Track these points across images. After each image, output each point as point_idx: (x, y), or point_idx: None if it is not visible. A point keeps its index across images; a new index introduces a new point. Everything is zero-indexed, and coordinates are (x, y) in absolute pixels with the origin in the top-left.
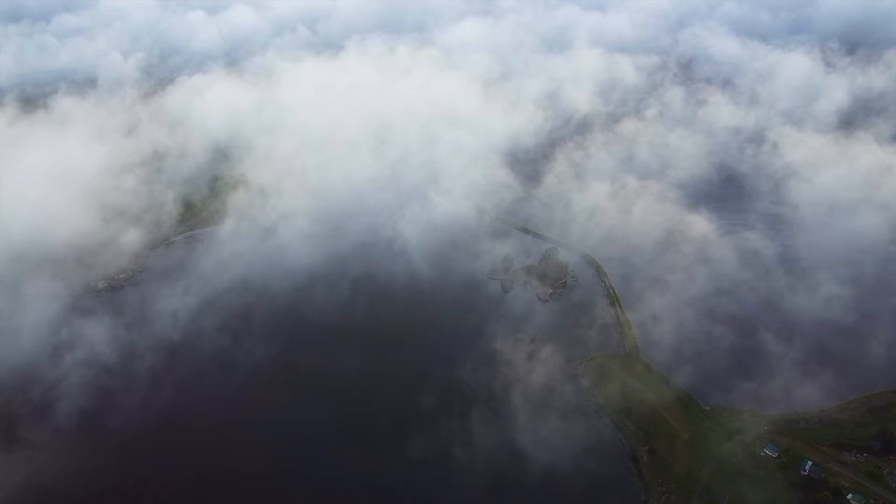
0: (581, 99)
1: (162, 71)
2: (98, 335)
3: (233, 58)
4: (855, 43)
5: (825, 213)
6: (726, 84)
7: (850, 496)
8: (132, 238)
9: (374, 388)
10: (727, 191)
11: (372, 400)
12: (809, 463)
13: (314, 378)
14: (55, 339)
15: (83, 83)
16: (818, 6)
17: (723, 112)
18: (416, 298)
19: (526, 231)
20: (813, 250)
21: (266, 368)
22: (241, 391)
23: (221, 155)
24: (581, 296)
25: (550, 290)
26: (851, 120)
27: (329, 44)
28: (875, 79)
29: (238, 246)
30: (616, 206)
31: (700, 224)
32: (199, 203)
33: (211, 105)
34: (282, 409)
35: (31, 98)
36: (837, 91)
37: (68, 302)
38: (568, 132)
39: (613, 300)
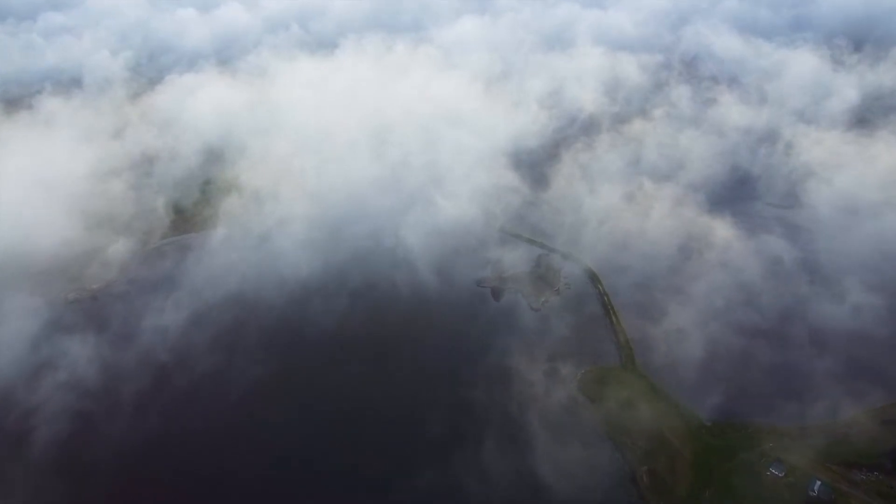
0: (585, 98)
1: (151, 70)
2: (72, 353)
3: (224, 56)
4: (858, 40)
5: (845, 216)
6: (732, 82)
7: None
8: (116, 246)
9: (376, 407)
10: (739, 193)
11: (374, 419)
12: (818, 483)
13: (315, 398)
14: (25, 359)
15: (69, 83)
16: (819, 3)
17: (733, 111)
18: (420, 310)
19: (520, 237)
20: (826, 255)
21: (261, 389)
22: (234, 415)
23: (213, 157)
24: (575, 304)
25: (543, 299)
26: (866, 118)
27: (323, 43)
28: (884, 76)
29: (230, 254)
30: (617, 210)
31: (707, 228)
32: (190, 208)
33: (202, 105)
34: (280, 433)
35: (16, 99)
36: (848, 89)
37: (38, 316)
38: (572, 133)
39: (609, 309)
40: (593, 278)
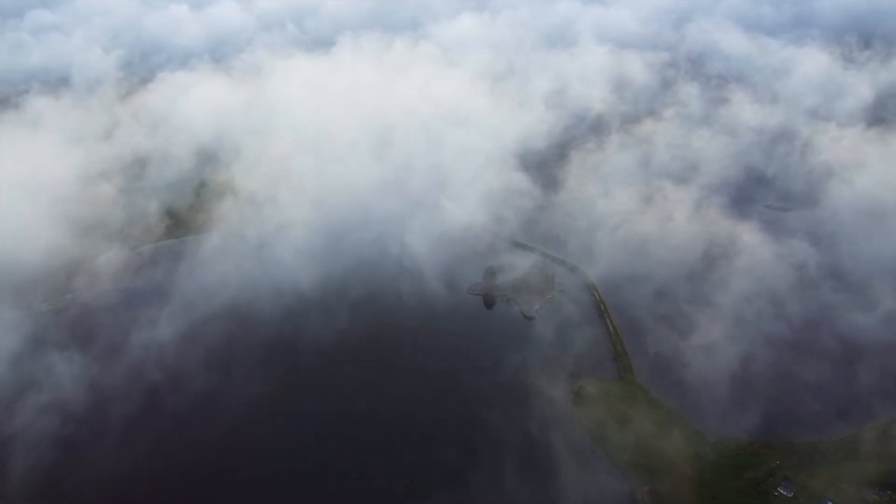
0: (591, 97)
1: (143, 69)
2: (48, 370)
3: (218, 55)
4: (862, 37)
5: (863, 217)
6: (741, 81)
7: None
8: (103, 252)
9: (381, 426)
10: (750, 195)
11: (380, 438)
12: (829, 503)
13: (318, 418)
14: None
15: (58, 82)
16: (821, 0)
17: (744, 111)
18: (422, 320)
19: (517, 242)
20: (839, 259)
21: (259, 410)
22: (229, 438)
23: (208, 159)
24: (571, 313)
25: (537, 307)
26: (882, 117)
27: (319, 41)
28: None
29: (225, 261)
30: (619, 214)
31: (716, 234)
32: (183, 212)
33: (196, 105)
34: (280, 457)
35: (2, 98)
36: (862, 86)
37: (14, 329)
38: (579, 133)
39: (607, 318)
40: (590, 286)
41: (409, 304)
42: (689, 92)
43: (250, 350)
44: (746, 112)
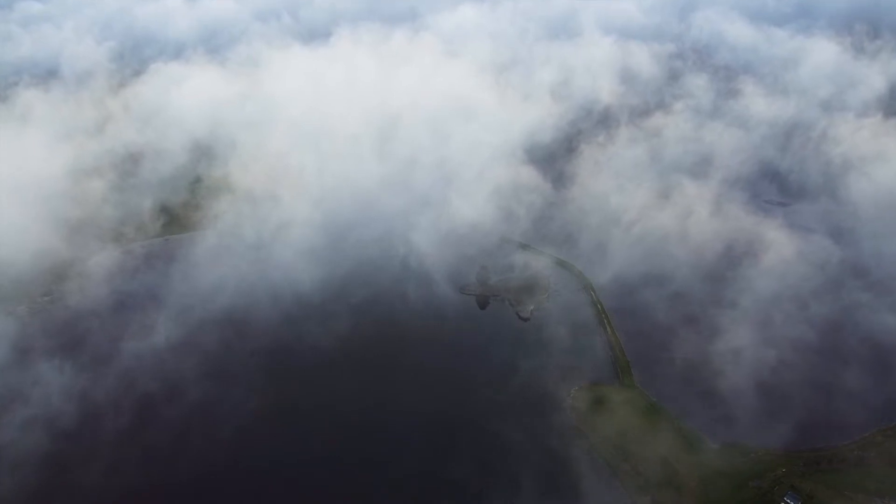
0: (597, 90)
1: (135, 62)
2: (27, 380)
3: (212, 46)
4: (871, 26)
5: (867, 214)
6: (748, 71)
7: None
8: (93, 253)
9: (385, 436)
10: (756, 188)
11: (385, 451)
12: None
13: (321, 432)
14: None
15: (47, 75)
16: None
17: (754, 102)
18: (425, 323)
19: (517, 241)
20: (839, 257)
21: (257, 419)
22: (226, 455)
23: (203, 154)
24: (567, 314)
25: (532, 307)
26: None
27: (315, 33)
28: None
29: (221, 263)
30: (619, 213)
31: (716, 232)
32: (178, 210)
33: (190, 97)
34: (281, 477)
35: None
36: (876, 77)
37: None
38: (585, 126)
39: (604, 320)
40: (588, 286)
41: (405, 305)
42: (697, 84)
43: (248, 355)
44: (756, 104)
